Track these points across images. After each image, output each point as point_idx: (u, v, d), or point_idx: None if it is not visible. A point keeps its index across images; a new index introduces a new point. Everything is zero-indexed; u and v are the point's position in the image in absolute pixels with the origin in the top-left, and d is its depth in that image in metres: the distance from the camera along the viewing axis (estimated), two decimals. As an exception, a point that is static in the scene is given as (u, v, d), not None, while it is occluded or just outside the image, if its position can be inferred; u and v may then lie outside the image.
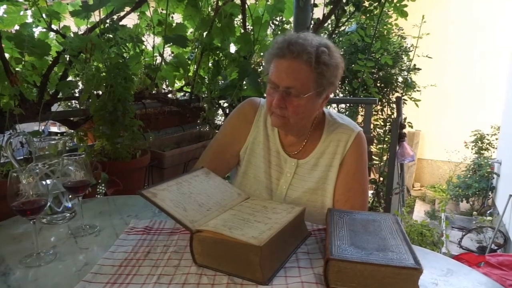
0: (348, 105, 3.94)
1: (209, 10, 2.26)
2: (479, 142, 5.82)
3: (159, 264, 0.80)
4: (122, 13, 1.93)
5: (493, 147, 5.78)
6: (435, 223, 4.75)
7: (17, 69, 1.55)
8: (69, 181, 0.94)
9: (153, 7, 2.16)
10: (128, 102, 1.62)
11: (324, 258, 0.73)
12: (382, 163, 3.61)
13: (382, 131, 3.94)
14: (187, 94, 2.50)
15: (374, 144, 3.68)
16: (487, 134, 5.80)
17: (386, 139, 3.70)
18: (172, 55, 2.38)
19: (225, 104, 2.44)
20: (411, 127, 3.70)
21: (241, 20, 2.40)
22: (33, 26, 1.75)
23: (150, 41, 2.17)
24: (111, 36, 1.70)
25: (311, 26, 2.38)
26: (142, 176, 1.78)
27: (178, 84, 2.49)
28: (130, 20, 2.06)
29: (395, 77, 4.09)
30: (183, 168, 2.04)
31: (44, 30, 1.82)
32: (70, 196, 1.07)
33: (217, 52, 2.23)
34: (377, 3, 2.61)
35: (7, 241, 0.93)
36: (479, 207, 5.46)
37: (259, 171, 1.22)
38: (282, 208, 0.92)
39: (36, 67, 1.64)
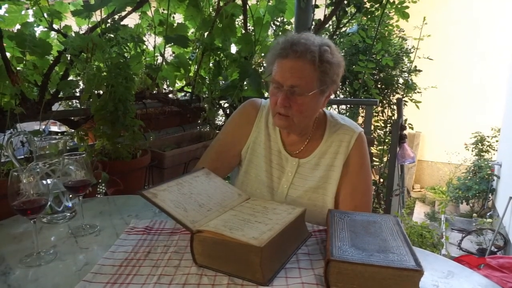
0: (348, 106, 3.95)
1: (210, 10, 2.26)
2: (480, 144, 5.82)
3: (160, 264, 0.80)
4: (123, 13, 1.93)
5: (494, 149, 5.79)
6: (435, 225, 4.75)
7: (18, 68, 1.55)
8: (70, 181, 0.94)
9: (154, 7, 2.16)
10: (129, 102, 1.62)
11: (325, 259, 0.73)
12: (382, 165, 3.62)
13: (382, 132, 3.95)
14: (187, 94, 2.50)
15: (374, 145, 3.68)
16: (488, 136, 5.80)
17: (387, 140, 3.70)
18: (173, 55, 2.38)
19: (226, 105, 2.44)
20: (412, 128, 3.70)
21: (242, 21, 2.40)
22: (35, 25, 1.74)
23: (151, 41, 2.18)
24: (112, 35, 1.70)
25: (312, 27, 2.38)
26: (142, 176, 1.78)
27: (179, 84, 2.49)
28: (131, 20, 2.06)
29: (396, 78, 4.10)
30: (183, 168, 2.04)
31: (46, 29, 1.82)
32: (70, 196, 1.07)
33: (218, 52, 2.23)
34: (378, 5, 2.62)
35: (7, 240, 0.93)
36: (479, 209, 5.46)
37: (261, 171, 1.23)
38: (282, 209, 0.91)
39: (37, 66, 1.64)
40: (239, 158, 1.29)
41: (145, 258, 0.83)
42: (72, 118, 1.86)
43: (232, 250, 0.75)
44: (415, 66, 3.88)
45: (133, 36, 1.83)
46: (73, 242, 0.92)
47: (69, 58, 1.65)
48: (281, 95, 1.07)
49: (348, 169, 1.16)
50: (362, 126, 1.22)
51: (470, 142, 5.87)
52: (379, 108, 4.07)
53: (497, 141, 5.70)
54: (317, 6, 2.44)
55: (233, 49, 2.43)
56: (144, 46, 2.10)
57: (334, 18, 2.63)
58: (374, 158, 3.56)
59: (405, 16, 2.58)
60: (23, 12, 1.77)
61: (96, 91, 1.63)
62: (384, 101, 4.06)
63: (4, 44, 1.43)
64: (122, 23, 1.85)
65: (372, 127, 3.72)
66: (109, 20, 1.78)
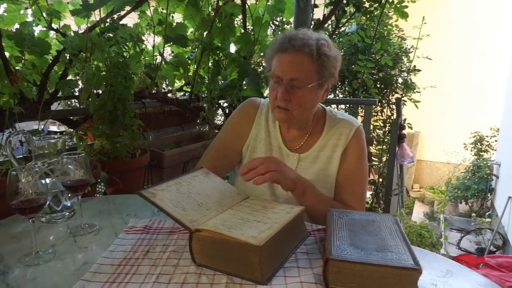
0: (348, 105, 3.95)
1: (210, 10, 2.26)
2: (479, 143, 5.82)
3: (158, 264, 0.80)
4: (122, 12, 1.93)
5: (492, 149, 5.79)
6: (434, 225, 4.75)
7: (17, 67, 1.55)
8: (69, 180, 0.94)
9: (153, 6, 2.16)
10: (128, 101, 1.62)
11: (324, 258, 0.73)
12: (381, 164, 3.62)
13: (381, 132, 3.95)
14: (187, 94, 2.50)
15: (373, 145, 3.68)
16: (487, 136, 5.80)
17: (386, 140, 3.70)
18: (172, 54, 2.38)
19: (225, 104, 2.44)
20: (411, 128, 3.70)
21: (241, 20, 2.40)
22: (33, 25, 1.74)
23: (150, 40, 2.17)
24: (111, 35, 1.70)
25: (312, 26, 2.38)
26: (141, 176, 1.78)
27: (178, 84, 2.49)
28: (131, 20, 2.06)
29: (395, 78, 4.09)
30: (182, 168, 2.04)
31: (44, 29, 1.82)
32: (69, 195, 1.07)
33: (217, 52, 2.23)
34: (377, 4, 2.62)
35: (6, 239, 0.93)
36: (478, 208, 5.46)
37: None
38: (281, 208, 0.92)
39: (36, 66, 1.64)
40: (240, 156, 1.30)
41: (144, 257, 0.83)
42: (71, 117, 1.86)
43: (231, 249, 0.75)
44: (414, 66, 3.88)
45: (132, 36, 1.83)
46: (72, 241, 0.92)
47: (68, 57, 1.65)
48: (281, 89, 1.09)
49: (346, 159, 1.19)
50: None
51: (469, 141, 5.88)
52: (378, 108, 4.06)
53: (496, 140, 5.70)
54: (316, 6, 2.44)
55: (232, 48, 2.43)
56: (143, 46, 2.10)
57: (333, 18, 2.63)
58: (373, 158, 3.57)
59: (404, 15, 2.59)
60: (22, 12, 1.77)
61: (95, 91, 1.62)
62: (383, 101, 4.06)
63: (3, 44, 1.42)
64: (121, 22, 1.85)
65: (371, 126, 3.72)
66: (108, 20, 1.78)
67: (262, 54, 2.38)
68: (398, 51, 4.16)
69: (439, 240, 3.71)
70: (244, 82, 2.23)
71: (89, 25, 1.80)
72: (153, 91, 2.20)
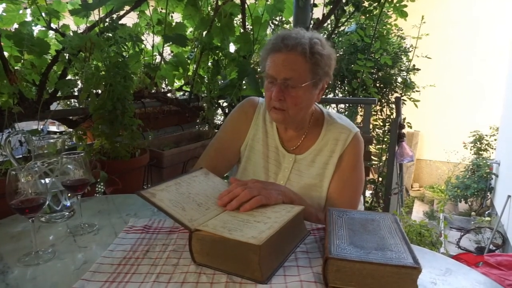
0: (347, 105, 3.95)
1: (209, 9, 2.26)
2: (478, 142, 5.83)
3: (158, 263, 0.80)
4: (121, 12, 1.93)
5: (492, 148, 5.79)
6: (433, 224, 4.75)
7: (16, 67, 1.55)
8: (68, 180, 0.94)
9: (152, 6, 2.16)
10: (127, 101, 1.62)
11: (323, 257, 0.73)
12: (381, 163, 3.62)
13: (381, 131, 3.95)
14: (186, 94, 2.50)
15: (373, 144, 3.69)
16: (486, 135, 5.81)
17: (385, 139, 3.70)
18: (172, 54, 2.38)
19: (225, 104, 2.44)
20: (410, 127, 3.71)
21: (241, 20, 2.40)
22: (32, 24, 1.74)
23: (150, 40, 2.17)
24: (110, 35, 1.70)
25: (311, 26, 2.38)
26: (141, 175, 1.78)
27: (177, 84, 2.49)
28: (130, 19, 2.06)
29: (394, 77, 4.10)
30: (182, 168, 2.04)
31: (44, 28, 1.82)
32: (69, 195, 1.07)
33: (217, 51, 2.23)
34: (376, 3, 2.62)
35: (5, 239, 0.92)
36: (477, 207, 5.47)
37: (258, 167, 1.24)
38: (281, 207, 0.92)
39: (35, 65, 1.64)
40: (238, 155, 1.30)
41: (144, 256, 0.83)
42: (71, 117, 1.86)
43: (231, 249, 0.75)
44: (414, 65, 3.88)
45: (132, 35, 1.83)
46: (72, 241, 0.92)
47: (67, 57, 1.65)
48: (275, 88, 1.09)
49: (341, 166, 1.18)
50: (360, 125, 1.23)
51: (469, 140, 5.88)
52: (378, 107, 4.07)
53: (495, 139, 5.71)
54: (315, 5, 2.44)
55: (232, 48, 2.43)
56: (143, 45, 2.10)
57: (332, 17, 2.64)
58: (373, 157, 3.57)
59: (404, 14, 2.59)
60: (21, 11, 1.77)
61: (94, 90, 1.63)
62: (383, 100, 4.06)
63: (2, 43, 1.42)
64: (120, 22, 1.85)
65: (371, 126, 3.73)
66: (107, 19, 1.78)
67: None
68: (398, 50, 4.16)
69: (438, 239, 3.72)
70: (243, 82, 2.23)
71: (88, 24, 1.80)
72: (153, 91, 2.20)
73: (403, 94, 3.83)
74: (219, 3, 2.16)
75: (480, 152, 5.79)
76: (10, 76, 1.38)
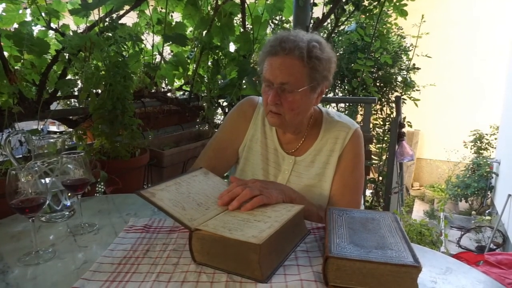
0: (347, 104, 3.95)
1: (209, 9, 2.26)
2: (478, 141, 5.82)
3: (158, 262, 0.80)
4: (121, 12, 1.93)
5: (492, 147, 5.79)
6: (434, 223, 4.75)
7: (16, 67, 1.55)
8: (68, 180, 0.94)
9: (152, 5, 2.16)
10: (127, 100, 1.62)
11: (323, 256, 0.73)
12: (381, 163, 3.62)
13: (381, 130, 3.95)
14: (186, 93, 2.50)
15: (373, 143, 3.69)
16: (486, 134, 5.80)
17: (386, 138, 3.70)
18: (172, 54, 2.38)
19: (225, 103, 2.44)
20: (410, 126, 3.71)
21: (241, 19, 2.40)
22: (32, 24, 1.74)
23: (150, 39, 2.17)
24: (110, 34, 1.70)
25: (311, 25, 2.38)
26: (141, 175, 1.78)
27: (177, 83, 2.49)
28: (130, 19, 2.06)
29: (394, 76, 4.10)
30: (182, 167, 2.04)
31: (43, 28, 1.81)
32: (69, 195, 1.07)
33: (217, 51, 2.23)
34: (376, 3, 2.62)
35: (5, 239, 0.93)
36: (478, 206, 5.47)
37: (257, 168, 1.23)
38: (281, 206, 0.92)
39: (35, 65, 1.64)
40: (237, 156, 1.29)
41: (144, 256, 0.83)
42: (71, 117, 1.86)
43: (231, 248, 0.75)
44: (414, 64, 3.88)
45: (131, 35, 1.83)
46: (72, 240, 0.92)
47: (67, 57, 1.65)
48: (272, 93, 1.06)
49: (341, 164, 1.16)
50: (360, 124, 1.22)
51: (469, 140, 5.88)
52: (378, 106, 4.07)
53: (495, 138, 5.71)
54: (315, 4, 2.44)
55: (232, 47, 2.42)
56: (143, 45, 2.10)
57: (332, 16, 2.63)
58: (373, 156, 3.57)
59: (404, 14, 2.58)
60: (20, 11, 1.77)
61: (94, 90, 1.63)
62: (383, 99, 4.06)
63: (2, 43, 1.42)
64: (120, 21, 1.85)
65: (371, 125, 3.73)
66: (107, 19, 1.78)
67: (261, 53, 2.38)
68: (398, 49, 4.17)
69: (439, 238, 3.72)
70: (243, 81, 2.23)
71: (88, 24, 1.80)
72: (153, 91, 2.20)
73: (403, 93, 3.82)
74: (219, 2, 2.16)
75: (481, 151, 5.79)
76: (10, 76, 1.38)
